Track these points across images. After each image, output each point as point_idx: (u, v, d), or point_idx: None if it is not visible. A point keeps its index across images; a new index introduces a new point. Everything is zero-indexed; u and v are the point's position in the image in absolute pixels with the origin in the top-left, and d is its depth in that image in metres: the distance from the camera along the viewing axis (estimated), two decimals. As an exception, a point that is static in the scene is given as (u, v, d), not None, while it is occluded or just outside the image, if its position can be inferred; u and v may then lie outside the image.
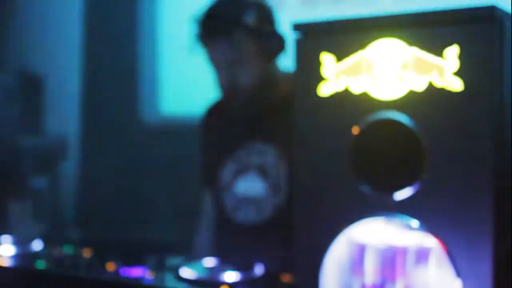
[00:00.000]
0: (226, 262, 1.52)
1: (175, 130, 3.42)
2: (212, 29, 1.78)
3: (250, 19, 1.77)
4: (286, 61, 1.84)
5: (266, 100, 1.84)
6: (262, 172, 1.83)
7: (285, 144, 1.78)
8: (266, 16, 1.81)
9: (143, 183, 3.40)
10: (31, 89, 3.87)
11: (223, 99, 1.88)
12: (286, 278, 1.41)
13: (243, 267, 1.48)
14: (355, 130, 1.05)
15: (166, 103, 3.67)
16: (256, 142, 1.86)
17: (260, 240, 1.75)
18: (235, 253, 1.69)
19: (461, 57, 0.97)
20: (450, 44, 0.98)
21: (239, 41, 1.77)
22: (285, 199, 1.77)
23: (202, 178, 2.03)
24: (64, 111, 3.88)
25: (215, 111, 2.02)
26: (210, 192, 1.98)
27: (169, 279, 1.45)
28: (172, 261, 1.57)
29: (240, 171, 1.86)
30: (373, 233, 1.08)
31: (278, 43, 1.80)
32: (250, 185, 1.83)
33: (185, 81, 3.46)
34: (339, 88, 1.06)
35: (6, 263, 1.64)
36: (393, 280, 1.07)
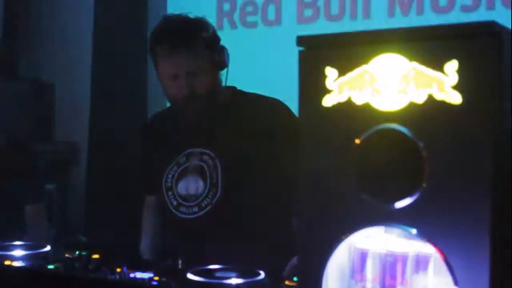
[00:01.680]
0: (230, 267, 1.55)
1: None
2: (174, 42, 1.98)
3: (206, 34, 2.02)
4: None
5: (212, 107, 2.07)
6: (201, 172, 2.05)
7: (221, 147, 2.05)
8: (214, 32, 2.06)
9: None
10: (43, 97, 3.92)
11: (177, 107, 2.09)
12: (288, 283, 1.44)
13: (247, 272, 1.51)
14: (357, 140, 1.08)
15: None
16: (196, 147, 2.08)
17: (201, 232, 2.01)
18: (182, 246, 1.97)
19: (460, 71, 1.00)
20: (449, 59, 1.00)
21: (198, 51, 1.99)
22: (221, 196, 2.01)
23: (144, 186, 2.28)
24: (75, 118, 3.92)
25: (156, 122, 2.29)
26: (154, 196, 2.21)
27: (175, 283, 1.48)
28: (178, 265, 1.60)
29: (182, 173, 2.08)
30: (374, 240, 1.11)
31: (226, 56, 2.06)
32: (190, 185, 2.06)
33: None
34: (342, 99, 1.09)
35: (19, 264, 1.67)
36: (393, 286, 1.10)
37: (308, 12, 3.31)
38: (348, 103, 1.09)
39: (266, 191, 2.02)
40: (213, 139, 2.07)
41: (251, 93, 2.19)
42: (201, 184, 2.04)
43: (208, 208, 2.02)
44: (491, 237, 0.99)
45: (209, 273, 1.52)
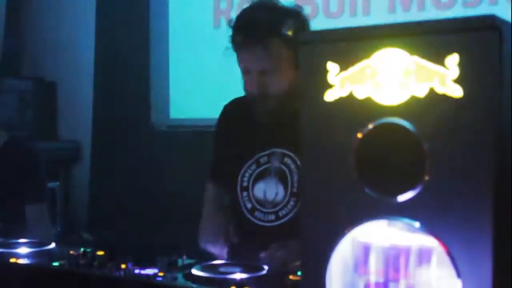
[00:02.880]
0: (235, 262, 1.55)
1: (185, 135, 3.46)
2: (249, 36, 1.80)
3: (286, 28, 1.79)
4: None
5: (291, 108, 1.86)
6: (282, 177, 1.87)
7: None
8: (301, 26, 1.82)
9: (154, 186, 3.43)
10: (46, 95, 3.93)
11: (249, 103, 1.91)
12: (292, 277, 1.45)
13: (252, 267, 1.52)
14: (359, 134, 1.08)
15: (176, 109, 3.70)
16: (278, 148, 1.90)
17: (271, 243, 1.80)
18: (251, 253, 1.76)
19: (461, 65, 1.01)
20: (450, 52, 1.01)
21: (275, 49, 1.79)
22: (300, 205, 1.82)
23: (213, 172, 2.07)
24: (77, 117, 3.93)
25: (237, 111, 2.04)
26: (220, 187, 2.03)
27: (180, 279, 1.49)
28: (183, 261, 1.61)
29: (261, 174, 1.90)
30: (377, 234, 1.12)
31: None
32: (269, 189, 1.88)
33: (195, 88, 3.49)
34: (344, 94, 1.10)
35: (24, 261, 1.68)
36: (396, 280, 1.10)
37: (307, 9, 3.32)
38: (350, 98, 1.09)
39: None
40: (296, 140, 1.90)
41: None
42: (281, 190, 1.87)
43: (286, 218, 1.85)
44: (493, 229, 0.99)
45: (214, 268, 1.52)
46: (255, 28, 1.80)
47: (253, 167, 1.93)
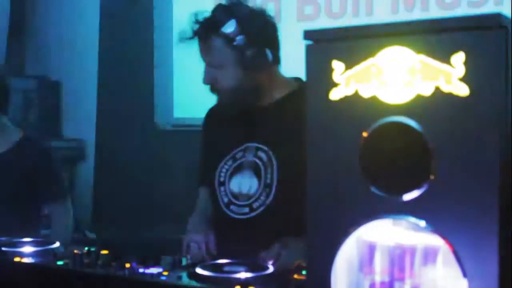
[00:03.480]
0: (239, 261, 1.55)
1: (189, 134, 3.46)
2: (198, 30, 1.91)
3: (228, 29, 1.87)
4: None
5: (252, 104, 1.97)
6: (256, 170, 1.93)
7: (277, 144, 1.92)
8: (248, 29, 1.88)
9: (158, 185, 3.43)
10: (51, 94, 3.93)
11: (218, 99, 2.00)
12: (297, 276, 1.45)
13: (256, 266, 1.52)
14: (365, 132, 1.08)
15: (180, 108, 3.70)
16: (251, 142, 1.97)
17: (251, 234, 1.87)
18: (228, 246, 1.85)
19: (467, 63, 1.00)
20: (456, 51, 1.00)
21: (215, 47, 1.89)
22: (274, 199, 1.89)
23: (200, 177, 2.16)
24: (82, 116, 3.93)
25: (214, 113, 2.15)
26: (206, 189, 2.09)
27: (184, 278, 1.49)
28: (187, 260, 1.61)
29: (237, 169, 1.97)
30: (382, 233, 1.11)
31: (258, 55, 1.89)
32: (244, 183, 1.94)
33: (199, 87, 3.49)
34: (349, 92, 1.09)
35: (28, 260, 1.68)
36: (401, 279, 1.10)
37: (309, 10, 3.30)
38: (355, 96, 1.09)
39: None
40: (269, 134, 1.95)
41: None
42: (255, 183, 1.92)
43: (259, 210, 1.90)
44: (499, 228, 0.99)
45: (218, 267, 1.52)
46: (201, 24, 1.91)
47: (230, 162, 1.99)
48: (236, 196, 1.94)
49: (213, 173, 2.01)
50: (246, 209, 1.92)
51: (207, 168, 2.07)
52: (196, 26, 1.91)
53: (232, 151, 1.99)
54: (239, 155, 1.98)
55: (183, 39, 1.94)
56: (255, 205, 1.90)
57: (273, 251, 1.71)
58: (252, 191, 1.91)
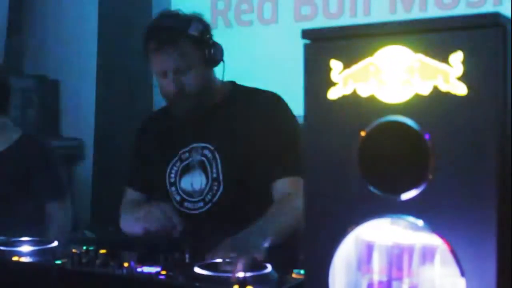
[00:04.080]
0: (237, 260, 1.55)
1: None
2: (162, 39, 2.01)
3: (194, 30, 2.03)
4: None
5: (206, 104, 2.11)
6: (203, 168, 2.08)
7: (220, 141, 2.08)
8: (206, 28, 2.09)
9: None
10: (49, 93, 3.93)
11: (169, 103, 2.13)
12: (295, 275, 1.45)
13: (255, 265, 1.52)
14: (363, 132, 1.08)
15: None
16: (197, 143, 2.12)
17: (207, 225, 2.04)
18: (188, 241, 1.92)
19: (465, 62, 1.00)
20: (455, 50, 1.00)
21: (186, 49, 2.03)
22: (223, 191, 2.05)
23: (134, 180, 2.29)
24: (80, 115, 3.93)
25: (153, 120, 2.32)
26: (141, 192, 2.25)
27: (182, 277, 1.49)
28: (185, 259, 1.61)
29: (185, 169, 2.11)
30: (380, 232, 1.11)
31: (217, 52, 2.08)
32: (195, 180, 2.09)
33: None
34: (347, 92, 1.09)
35: (26, 259, 1.68)
36: (399, 278, 1.10)
37: (306, 10, 3.29)
38: (353, 96, 1.09)
39: (266, 183, 2.03)
40: (213, 133, 2.10)
41: (250, 87, 2.20)
42: (204, 179, 2.07)
43: (212, 202, 2.05)
44: (497, 227, 0.99)
45: (216, 267, 1.52)
46: (166, 32, 2.03)
47: (178, 163, 2.13)
48: (189, 193, 2.09)
49: (160, 177, 2.14)
50: (201, 204, 2.07)
51: (146, 173, 2.22)
52: (161, 35, 2.01)
53: (178, 152, 2.13)
54: (185, 156, 2.12)
55: (150, 50, 2.05)
56: (207, 198, 2.06)
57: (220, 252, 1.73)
58: (203, 186, 2.07)
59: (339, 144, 1.11)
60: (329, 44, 1.10)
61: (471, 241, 1.01)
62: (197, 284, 1.45)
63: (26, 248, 1.74)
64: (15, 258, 1.68)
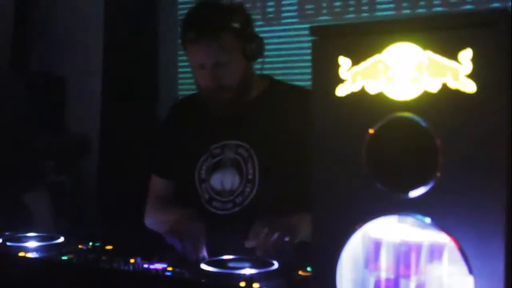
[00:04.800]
0: (244, 258, 1.55)
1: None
2: (202, 31, 1.89)
3: (234, 22, 1.91)
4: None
5: (244, 99, 1.99)
6: (237, 167, 1.95)
7: (257, 141, 1.95)
8: (248, 20, 1.96)
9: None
10: (55, 89, 3.94)
11: (204, 97, 1.99)
12: (302, 273, 1.45)
13: (261, 262, 1.52)
14: (371, 129, 1.08)
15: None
16: (231, 140, 1.99)
17: (234, 228, 1.87)
18: (212, 241, 1.79)
19: (474, 59, 1.00)
20: (463, 47, 1.00)
21: (226, 42, 1.90)
22: (256, 193, 1.92)
23: (161, 168, 2.13)
24: (86, 110, 3.94)
25: (186, 109, 2.14)
26: (168, 182, 2.10)
27: (189, 274, 1.49)
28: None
29: (217, 166, 1.99)
30: (388, 230, 1.11)
31: (258, 46, 1.95)
32: (226, 179, 1.96)
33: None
34: (356, 89, 1.09)
35: (33, 255, 1.69)
36: (407, 276, 1.10)
37: (310, 8, 3.27)
38: (362, 93, 1.09)
39: (302, 188, 1.88)
40: (248, 131, 1.98)
41: (287, 83, 2.11)
42: (237, 179, 1.95)
43: (242, 205, 1.93)
44: (506, 225, 0.99)
45: (223, 264, 1.52)
46: (207, 23, 1.90)
47: (209, 159, 2.00)
48: (218, 192, 1.97)
49: (189, 172, 2.02)
50: (229, 205, 1.95)
51: (175, 164, 2.08)
52: (200, 26, 1.90)
53: (209, 147, 2.01)
54: (216, 152, 2.00)
55: (187, 41, 1.94)
56: (238, 200, 1.94)
57: (256, 229, 1.71)
58: (235, 186, 1.94)
59: (347, 141, 1.10)
60: (337, 41, 1.10)
61: (479, 239, 1.01)
62: (203, 281, 1.45)
63: (32, 244, 1.74)
64: (21, 254, 1.69)
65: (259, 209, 1.89)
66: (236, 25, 1.91)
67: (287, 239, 1.68)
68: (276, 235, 1.67)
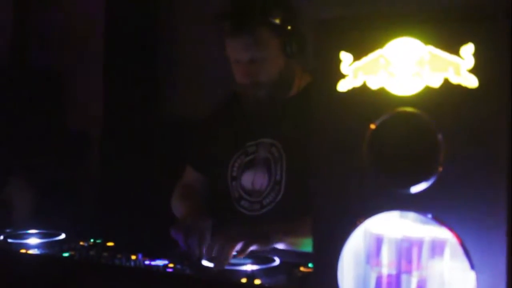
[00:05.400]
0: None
1: (196, 126, 3.45)
2: (237, 24, 1.80)
3: (273, 16, 1.80)
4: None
5: (281, 97, 1.89)
6: (268, 167, 1.87)
7: (289, 140, 1.85)
8: (289, 15, 1.84)
9: (165, 178, 3.43)
10: (55, 86, 3.94)
11: (240, 92, 1.92)
12: (303, 268, 1.44)
13: (262, 259, 1.51)
14: (373, 124, 1.07)
15: (185, 102, 3.70)
16: (265, 138, 1.91)
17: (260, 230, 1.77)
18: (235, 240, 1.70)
19: (476, 54, 0.99)
20: (465, 42, 1.00)
21: (263, 38, 1.80)
22: (283, 196, 1.83)
23: (198, 161, 2.06)
24: (87, 108, 3.94)
25: (228, 103, 2.06)
26: (203, 175, 2.04)
27: (190, 270, 1.49)
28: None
29: (249, 164, 1.91)
30: (389, 225, 1.11)
31: (299, 42, 1.83)
32: (257, 179, 1.88)
33: (204, 80, 3.48)
34: (357, 84, 1.09)
35: (34, 252, 1.69)
36: (408, 272, 1.10)
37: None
38: (363, 88, 1.08)
39: None
40: (281, 130, 1.90)
41: None
42: (266, 179, 1.88)
43: (269, 207, 1.85)
44: (507, 220, 0.98)
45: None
46: (243, 17, 1.80)
47: (242, 157, 1.93)
48: (248, 192, 1.90)
49: (223, 168, 1.96)
50: (257, 206, 1.88)
51: (210, 157, 2.02)
52: (237, 19, 1.81)
53: (244, 144, 1.94)
54: (251, 149, 1.93)
55: (224, 33, 1.85)
56: (265, 202, 1.87)
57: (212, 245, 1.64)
58: (264, 187, 1.87)
59: (348, 136, 1.10)
60: (339, 36, 1.10)
61: (481, 234, 1.01)
62: (204, 277, 1.45)
63: (34, 241, 1.74)
64: (23, 251, 1.69)
65: (284, 212, 1.82)
66: (275, 20, 1.80)
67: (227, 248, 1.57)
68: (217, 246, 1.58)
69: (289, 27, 1.83)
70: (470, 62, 1.00)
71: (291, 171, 1.83)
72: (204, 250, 1.61)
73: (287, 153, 1.85)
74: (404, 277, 1.10)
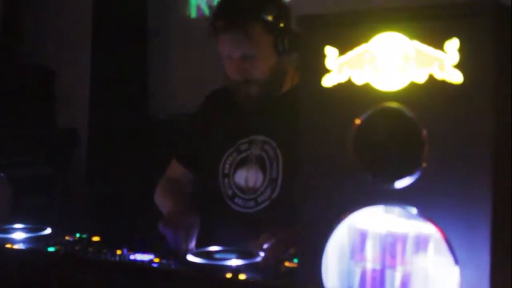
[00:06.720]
0: (230, 249, 1.55)
1: (184, 123, 3.44)
2: (230, 20, 1.80)
3: (266, 13, 1.80)
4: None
5: (273, 94, 1.89)
6: (261, 164, 1.86)
7: (284, 138, 1.84)
8: (282, 12, 1.84)
9: (153, 174, 3.42)
10: (45, 83, 3.92)
11: (231, 89, 1.91)
12: (288, 264, 1.44)
13: (247, 253, 1.51)
14: (358, 120, 1.07)
15: (173, 99, 3.69)
16: (258, 135, 1.90)
17: (255, 228, 1.75)
18: (231, 239, 1.71)
19: (461, 50, 1.00)
20: (450, 37, 1.00)
21: (255, 34, 1.80)
22: (279, 194, 1.82)
23: (186, 158, 2.05)
24: (75, 104, 3.93)
25: (218, 100, 2.05)
26: (190, 172, 2.02)
27: (175, 265, 1.49)
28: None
29: (242, 162, 1.90)
30: (374, 220, 1.11)
31: (291, 40, 1.82)
32: (250, 176, 1.87)
33: (194, 77, 3.48)
34: (342, 79, 1.09)
35: (19, 246, 1.68)
36: (393, 267, 1.10)
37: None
38: (348, 84, 1.08)
39: None
40: (274, 127, 1.89)
41: None
42: (260, 176, 1.87)
43: (264, 204, 1.85)
44: (492, 215, 0.99)
45: (209, 255, 1.51)
46: (235, 13, 1.81)
47: (234, 154, 1.92)
48: (241, 189, 1.90)
49: (214, 165, 1.94)
50: (251, 203, 1.87)
51: (200, 155, 2.01)
52: (230, 16, 1.81)
53: (236, 142, 1.93)
54: (243, 147, 1.92)
55: (216, 29, 1.84)
56: (260, 199, 1.86)
57: (261, 242, 1.67)
58: (258, 184, 1.86)
59: (333, 132, 1.10)
60: (324, 31, 1.10)
61: (465, 229, 1.01)
62: (190, 272, 1.45)
63: (19, 235, 1.73)
64: (8, 245, 1.68)
65: (280, 210, 1.81)
66: (268, 17, 1.81)
67: (289, 252, 1.57)
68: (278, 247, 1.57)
69: (281, 25, 1.83)
70: (455, 57, 1.00)
71: (287, 169, 1.83)
72: (263, 249, 1.58)
73: (282, 150, 1.85)
74: (388, 272, 1.11)
